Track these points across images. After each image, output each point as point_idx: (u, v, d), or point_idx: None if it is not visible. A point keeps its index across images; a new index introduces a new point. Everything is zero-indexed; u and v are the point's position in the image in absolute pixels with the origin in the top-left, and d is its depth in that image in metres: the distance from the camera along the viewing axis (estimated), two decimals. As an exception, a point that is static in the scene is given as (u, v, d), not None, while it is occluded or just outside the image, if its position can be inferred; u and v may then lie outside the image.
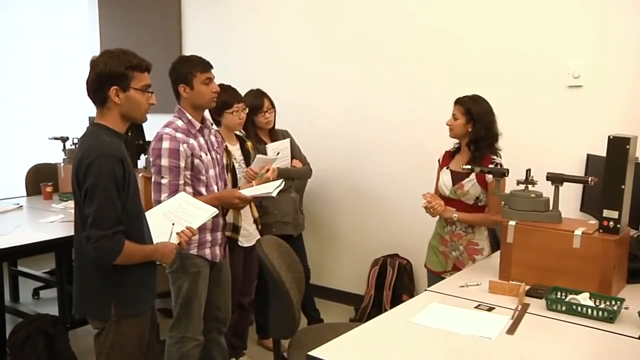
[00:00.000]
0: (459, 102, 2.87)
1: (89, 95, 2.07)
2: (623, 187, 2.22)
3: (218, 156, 2.83)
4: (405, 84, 3.99)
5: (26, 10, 5.60)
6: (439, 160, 3.03)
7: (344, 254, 4.43)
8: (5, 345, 3.03)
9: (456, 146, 2.97)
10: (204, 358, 2.85)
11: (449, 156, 2.98)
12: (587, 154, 3.29)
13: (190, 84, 2.66)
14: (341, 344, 1.88)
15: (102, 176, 1.92)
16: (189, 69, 2.65)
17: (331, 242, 4.48)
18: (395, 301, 3.83)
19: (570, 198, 3.22)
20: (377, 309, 3.94)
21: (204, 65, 2.68)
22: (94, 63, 2.04)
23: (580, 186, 3.24)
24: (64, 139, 4.60)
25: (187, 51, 5.08)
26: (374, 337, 1.97)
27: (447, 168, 2.93)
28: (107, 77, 2.00)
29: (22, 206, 4.06)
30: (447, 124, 2.87)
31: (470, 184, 2.84)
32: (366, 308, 4.08)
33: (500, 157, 2.85)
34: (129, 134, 4.26)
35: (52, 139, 4.62)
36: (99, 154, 1.94)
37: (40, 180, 4.41)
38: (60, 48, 5.76)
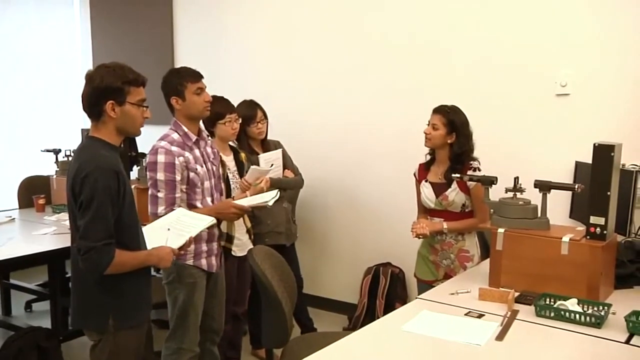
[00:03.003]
0: (440, 111, 2.88)
1: (84, 109, 2.09)
2: (609, 193, 2.25)
3: (214, 167, 2.84)
4: (396, 93, 4.03)
5: (17, 22, 5.61)
6: (415, 175, 3.05)
7: (337, 263, 4.45)
8: (-2, 359, 3.03)
9: (429, 157, 2.99)
10: (197, 368, 2.86)
11: (424, 169, 3.01)
12: (576, 162, 3.33)
13: (182, 96, 2.68)
14: (332, 352, 1.90)
15: (98, 189, 1.94)
16: (180, 81, 2.67)
17: (324, 252, 4.50)
18: (388, 309, 3.84)
19: (559, 205, 3.27)
20: (370, 318, 3.95)
21: (195, 76, 2.71)
22: (89, 77, 2.06)
23: (569, 193, 3.28)
24: (56, 151, 4.60)
25: (179, 62, 5.12)
26: (365, 345, 1.99)
27: (427, 181, 2.96)
28: (103, 92, 2.03)
29: (14, 218, 4.06)
30: (425, 133, 2.88)
31: (454, 193, 2.87)
32: (359, 317, 4.09)
33: (479, 162, 2.89)
34: (121, 145, 4.28)
35: (44, 151, 4.62)
36: (95, 167, 1.96)
37: (32, 192, 4.41)
38: (52, 60, 5.77)
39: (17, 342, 2.97)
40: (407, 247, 3.21)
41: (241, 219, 3.20)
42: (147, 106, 2.13)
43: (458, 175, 2.75)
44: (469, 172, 2.81)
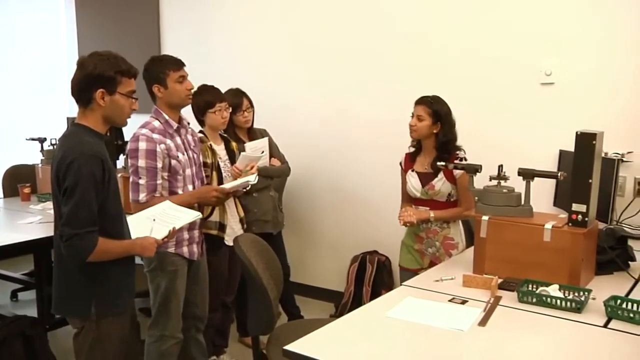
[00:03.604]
0: (423, 102, 2.90)
1: (73, 94, 2.08)
2: (590, 181, 2.28)
3: (195, 155, 2.84)
4: (383, 83, 4.04)
5: (2, 11, 5.54)
6: (400, 164, 3.07)
7: (323, 252, 4.47)
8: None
9: (413, 147, 3.01)
10: (183, 356, 2.87)
11: (410, 159, 3.03)
12: (560, 150, 3.37)
13: (163, 84, 2.67)
14: (317, 338, 1.91)
15: (82, 176, 1.94)
16: (162, 69, 2.66)
17: (311, 240, 4.51)
18: (375, 297, 3.80)
19: (544, 193, 3.31)
20: (356, 305, 3.95)
21: (177, 64, 2.70)
22: (82, 63, 2.05)
23: (553, 181, 3.31)
24: (41, 140, 4.57)
25: (166, 51, 5.07)
26: (349, 331, 2.00)
27: (413, 171, 2.98)
28: (95, 79, 2.02)
29: (-1, 208, 4.04)
30: (410, 125, 2.90)
31: (441, 183, 2.90)
32: (346, 304, 4.12)
33: (464, 152, 2.92)
34: (108, 134, 4.26)
35: (29, 139, 4.58)
36: (80, 154, 1.96)
37: (17, 181, 4.38)
38: (37, 48, 5.72)
39: (1, 331, 2.96)
40: (394, 235, 3.23)
41: (234, 208, 3.22)
42: (136, 98, 2.13)
43: (443, 163, 2.77)
44: (456, 161, 2.85)
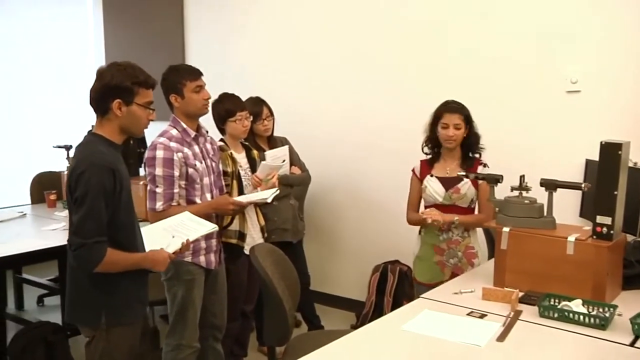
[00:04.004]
0: (457, 110, 2.84)
1: (91, 103, 2.10)
2: (616, 193, 2.21)
3: (213, 164, 2.84)
4: (403, 89, 4.00)
5: (30, 19, 5.66)
6: (414, 171, 3.00)
7: (345, 260, 4.44)
8: (6, 353, 3.06)
9: (427, 154, 2.96)
10: (201, 365, 2.86)
11: (427, 165, 2.97)
12: (586, 160, 3.28)
13: (180, 93, 2.68)
14: (331, 350, 1.89)
15: (91, 186, 1.95)
16: (179, 78, 2.67)
17: (332, 248, 4.48)
18: (396, 307, 3.77)
19: (570, 204, 3.23)
20: (378, 315, 3.92)
21: (194, 74, 2.70)
22: (100, 73, 2.08)
23: (579, 192, 3.22)
24: (67, 147, 4.63)
25: (190, 57, 5.14)
26: (364, 344, 1.97)
27: (432, 176, 2.92)
28: (112, 90, 2.04)
29: (25, 214, 4.10)
30: (450, 135, 2.83)
31: (467, 187, 2.86)
32: (367, 314, 4.07)
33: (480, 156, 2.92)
34: (131, 142, 4.31)
35: (56, 147, 4.66)
36: (90, 164, 1.97)
37: (44, 188, 4.46)
38: (65, 56, 5.82)
39: (24, 337, 3.01)
40: (414, 249, 3.17)
41: (255, 216, 3.21)
42: (153, 109, 2.14)
43: (464, 173, 2.72)
44: (480, 168, 2.85)
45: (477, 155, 2.91)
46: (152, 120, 2.14)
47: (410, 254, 3.94)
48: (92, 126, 4.51)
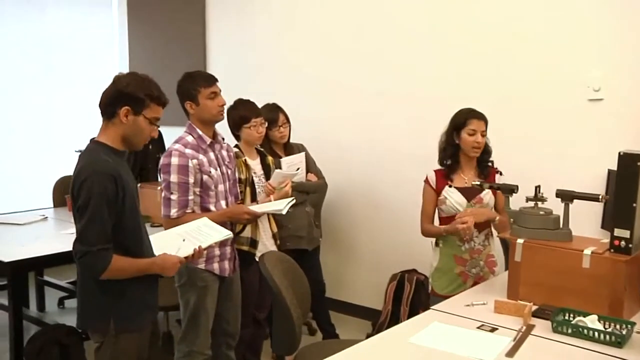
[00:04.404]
0: (482, 118, 2.80)
1: (100, 105, 2.13)
2: (635, 205, 2.13)
3: (229, 171, 2.84)
4: (421, 94, 3.96)
5: (56, 23, 5.77)
6: (428, 181, 2.92)
7: (362, 268, 4.40)
8: (22, 354, 3.11)
9: (442, 165, 2.90)
10: (213, 372, 2.86)
11: (443, 176, 2.89)
12: (608, 170, 3.19)
13: (195, 100, 2.68)
14: (335, 362, 1.86)
15: (93, 194, 1.96)
16: (193, 85, 2.68)
17: (350, 256, 4.45)
18: (412, 317, 3.76)
19: (591, 215, 3.14)
20: (394, 324, 3.84)
21: (208, 80, 2.70)
22: (117, 78, 2.11)
23: (601, 203, 3.13)
24: (90, 152, 4.70)
25: (211, 61, 5.18)
26: (370, 355, 1.94)
27: (450, 187, 2.86)
28: (124, 96, 2.06)
29: (47, 217, 4.17)
30: (478, 142, 2.77)
31: (489, 196, 2.82)
32: (383, 323, 4.02)
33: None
34: (150, 147, 4.36)
35: (78, 151, 4.72)
36: (92, 172, 1.99)
37: (66, 192, 4.52)
38: (88, 61, 5.91)
39: (40, 339, 3.05)
40: (432, 261, 3.12)
41: (267, 223, 3.20)
42: (158, 126, 2.16)
43: (478, 182, 2.67)
44: (497, 176, 2.82)
45: (490, 164, 2.86)
46: (153, 136, 2.16)
47: (426, 263, 3.91)
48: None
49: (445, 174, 2.88)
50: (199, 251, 2.26)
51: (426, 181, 2.93)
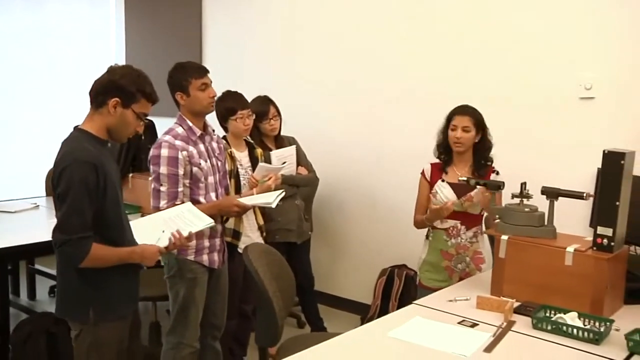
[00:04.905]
0: (467, 112, 2.80)
1: (90, 93, 2.12)
2: (618, 203, 2.13)
3: (219, 163, 2.83)
4: (417, 92, 3.95)
5: (53, 18, 5.77)
6: (423, 174, 2.94)
7: (352, 263, 4.41)
8: (8, 342, 3.11)
9: (441, 158, 2.90)
10: (199, 363, 2.87)
11: (438, 169, 2.91)
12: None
13: (186, 91, 2.66)
14: (313, 354, 1.87)
15: (74, 182, 1.95)
16: (184, 76, 2.66)
17: (340, 251, 4.46)
18: (401, 312, 3.78)
19: (580, 213, 3.14)
20: (382, 320, 3.90)
21: (199, 71, 2.69)
22: (112, 69, 2.11)
23: (590, 200, 3.13)
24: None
25: (207, 55, 5.17)
26: (348, 348, 1.95)
27: (443, 181, 2.87)
28: (116, 87, 2.05)
29: (38, 205, 4.17)
30: (457, 137, 2.78)
31: (480, 195, 2.79)
32: (372, 318, 4.03)
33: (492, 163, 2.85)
34: (142, 137, 4.35)
35: (67, 140, 4.73)
36: (73, 160, 1.98)
37: (59, 181, 4.53)
38: (86, 51, 5.91)
39: (27, 327, 3.05)
40: (421, 254, 3.13)
41: (252, 215, 3.20)
42: (144, 121, 2.16)
43: (464, 178, 2.67)
44: (492, 175, 2.79)
45: (489, 163, 2.84)
46: (138, 132, 2.16)
47: (416, 259, 3.92)
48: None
49: (441, 168, 2.90)
50: (179, 238, 2.24)
51: (422, 173, 2.95)
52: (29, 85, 5.67)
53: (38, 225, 3.72)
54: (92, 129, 2.08)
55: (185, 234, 2.27)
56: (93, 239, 2.00)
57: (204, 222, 2.40)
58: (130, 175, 4.12)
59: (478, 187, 2.72)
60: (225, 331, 2.99)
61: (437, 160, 2.94)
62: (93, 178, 1.98)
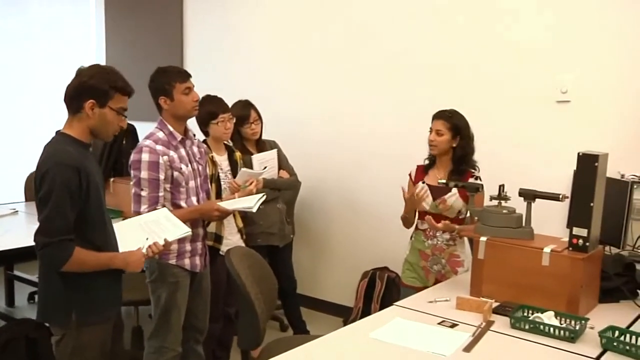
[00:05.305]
0: (442, 117, 2.86)
1: (65, 99, 2.10)
2: (592, 204, 2.19)
3: (200, 167, 2.84)
4: (396, 95, 4.00)
5: (31, 13, 5.72)
6: (410, 175, 3.01)
7: (334, 265, 4.43)
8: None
9: (427, 160, 2.96)
10: (181, 367, 2.86)
11: (422, 171, 2.97)
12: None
13: (170, 95, 2.66)
14: (294, 356, 1.89)
15: (55, 185, 1.95)
16: (168, 80, 2.66)
17: (322, 253, 4.48)
18: (383, 314, 3.80)
19: (557, 215, 3.19)
20: (365, 322, 3.92)
21: (182, 75, 2.69)
22: (80, 72, 2.08)
23: (567, 202, 3.19)
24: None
25: (188, 59, 5.16)
26: (330, 350, 1.97)
27: (424, 183, 2.91)
28: (88, 89, 2.04)
29: (17, 211, 4.13)
30: (430, 140, 2.85)
31: (454, 199, 2.84)
32: (354, 320, 4.02)
33: (478, 170, 2.85)
34: (124, 142, 4.34)
35: (49, 145, 4.69)
36: (55, 164, 1.98)
37: (38, 186, 4.49)
38: (65, 53, 5.86)
39: (6, 333, 3.01)
40: (405, 253, 3.17)
41: (232, 219, 3.21)
42: (125, 116, 2.14)
43: (444, 181, 2.71)
44: (471, 179, 2.82)
45: (472, 170, 2.86)
46: (122, 127, 2.14)
47: (399, 261, 3.96)
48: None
49: (424, 170, 2.96)
50: (159, 248, 2.24)
51: (409, 175, 3.02)
52: (7, 88, 5.61)
53: (17, 230, 3.69)
54: (74, 133, 2.08)
55: (161, 241, 2.25)
56: (75, 242, 1.99)
57: (181, 230, 2.39)
58: (112, 179, 4.11)
59: (454, 190, 2.77)
60: (209, 334, 2.99)
61: (425, 162, 3.00)
62: (75, 181, 1.97)
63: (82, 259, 2.01)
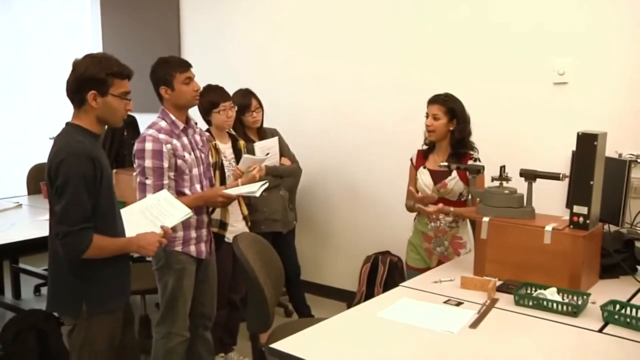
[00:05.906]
0: (437, 101, 2.89)
1: (67, 95, 2.11)
2: (592, 183, 2.23)
3: (202, 155, 2.87)
4: (396, 82, 4.02)
5: (27, 8, 5.70)
6: (411, 160, 3.05)
7: (336, 251, 4.48)
8: (-2, 340, 3.12)
9: (426, 145, 2.98)
10: (190, 354, 2.90)
11: (422, 156, 3.00)
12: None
13: (170, 85, 2.70)
14: (304, 337, 1.93)
15: (71, 175, 1.97)
16: (169, 70, 2.69)
17: (324, 239, 4.53)
18: (386, 298, 3.86)
19: (556, 194, 3.24)
20: (368, 306, 3.97)
21: (183, 65, 2.72)
22: (75, 65, 2.09)
23: (567, 183, 3.24)
24: (64, 139, 4.67)
25: (186, 50, 5.17)
26: (339, 330, 2.01)
27: (425, 168, 2.95)
28: (86, 81, 2.05)
29: (21, 204, 4.15)
30: (427, 125, 2.88)
31: (454, 182, 2.88)
32: (357, 304, 4.09)
33: (478, 152, 2.88)
34: (125, 133, 4.36)
35: (52, 138, 4.69)
36: (69, 153, 2.00)
37: (40, 179, 4.49)
38: (62, 47, 5.85)
39: (16, 324, 3.06)
40: (406, 236, 3.21)
41: (237, 206, 3.25)
42: (129, 99, 2.15)
43: (446, 164, 2.75)
44: (470, 162, 2.84)
45: (471, 152, 2.89)
46: (129, 110, 2.16)
47: (400, 245, 4.01)
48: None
49: (424, 154, 3.00)
50: (167, 231, 2.27)
51: (411, 160, 3.05)
52: (5, 82, 5.61)
53: (21, 224, 3.70)
54: (83, 123, 2.10)
55: (169, 226, 2.28)
56: (94, 229, 2.02)
57: (183, 212, 2.40)
58: (114, 171, 4.13)
59: (454, 174, 2.80)
60: (215, 321, 3.04)
61: (424, 147, 3.03)
62: (90, 170, 2.00)
63: (101, 245, 2.04)
